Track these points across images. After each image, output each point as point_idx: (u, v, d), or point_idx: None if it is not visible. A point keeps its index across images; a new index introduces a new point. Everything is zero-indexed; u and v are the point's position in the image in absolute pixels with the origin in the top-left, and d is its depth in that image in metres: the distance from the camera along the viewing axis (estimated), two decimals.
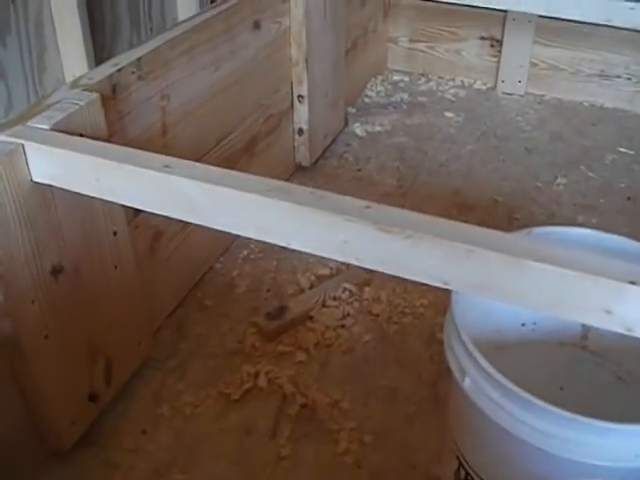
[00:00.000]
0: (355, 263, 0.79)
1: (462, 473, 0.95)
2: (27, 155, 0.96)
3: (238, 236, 1.65)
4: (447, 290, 1.00)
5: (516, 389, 0.78)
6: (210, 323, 1.45)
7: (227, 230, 0.86)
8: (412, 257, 0.75)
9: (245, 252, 1.65)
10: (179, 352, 1.39)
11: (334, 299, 1.50)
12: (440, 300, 1.50)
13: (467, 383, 0.84)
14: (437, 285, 0.77)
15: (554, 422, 0.77)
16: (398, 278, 1.48)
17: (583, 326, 1.05)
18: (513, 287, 0.73)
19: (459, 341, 0.86)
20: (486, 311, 1.00)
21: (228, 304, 1.50)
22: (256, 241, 1.65)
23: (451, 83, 2.50)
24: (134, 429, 1.25)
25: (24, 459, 1.15)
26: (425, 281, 0.77)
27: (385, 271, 0.78)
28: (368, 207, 0.79)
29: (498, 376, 0.80)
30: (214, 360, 1.37)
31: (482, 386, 0.82)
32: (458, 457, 0.95)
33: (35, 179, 0.98)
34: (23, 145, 0.96)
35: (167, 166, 0.87)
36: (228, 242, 1.66)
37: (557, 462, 0.80)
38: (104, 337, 1.19)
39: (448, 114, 2.29)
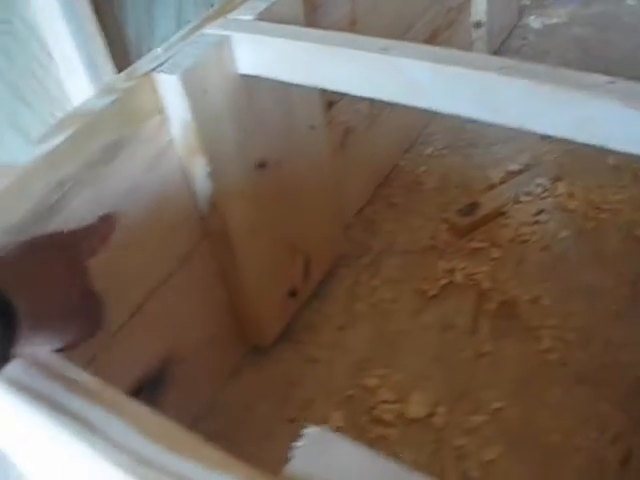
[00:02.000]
0: (598, 144, 0.74)
1: None
2: (233, 47, 0.95)
3: (422, 132, 1.61)
4: None
5: None
6: (400, 220, 1.43)
7: (454, 112, 0.82)
8: None
9: (429, 149, 1.60)
10: (371, 249, 1.38)
11: (527, 194, 1.44)
12: (636, 196, 1.42)
13: None
14: None
15: None
16: (590, 173, 1.40)
17: None
18: None
19: None
20: None
21: (416, 201, 1.47)
22: (440, 138, 1.62)
23: None
24: (331, 325, 1.25)
25: (228, 354, 1.18)
26: None
27: (634, 152, 0.73)
28: (612, 82, 0.73)
29: None
30: (407, 257, 1.35)
31: None
32: None
33: (242, 71, 0.97)
34: (229, 37, 0.94)
35: (384, 48, 0.83)
36: (412, 139, 1.62)
37: None
38: (303, 233, 1.20)
39: (630, 2, 2.14)
